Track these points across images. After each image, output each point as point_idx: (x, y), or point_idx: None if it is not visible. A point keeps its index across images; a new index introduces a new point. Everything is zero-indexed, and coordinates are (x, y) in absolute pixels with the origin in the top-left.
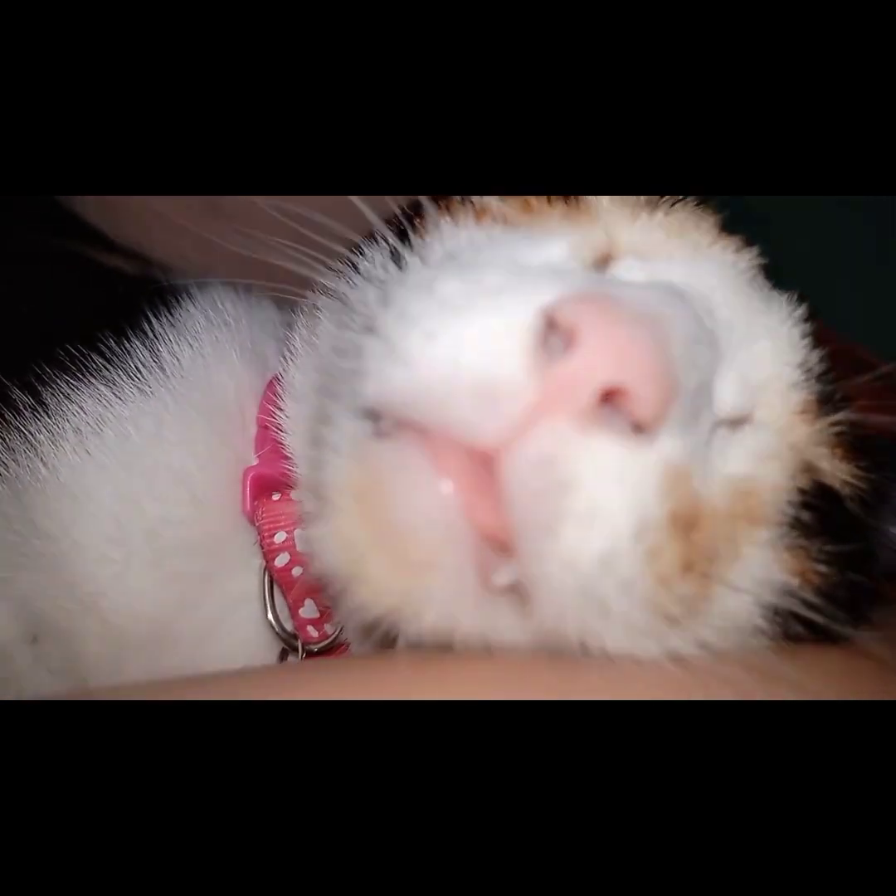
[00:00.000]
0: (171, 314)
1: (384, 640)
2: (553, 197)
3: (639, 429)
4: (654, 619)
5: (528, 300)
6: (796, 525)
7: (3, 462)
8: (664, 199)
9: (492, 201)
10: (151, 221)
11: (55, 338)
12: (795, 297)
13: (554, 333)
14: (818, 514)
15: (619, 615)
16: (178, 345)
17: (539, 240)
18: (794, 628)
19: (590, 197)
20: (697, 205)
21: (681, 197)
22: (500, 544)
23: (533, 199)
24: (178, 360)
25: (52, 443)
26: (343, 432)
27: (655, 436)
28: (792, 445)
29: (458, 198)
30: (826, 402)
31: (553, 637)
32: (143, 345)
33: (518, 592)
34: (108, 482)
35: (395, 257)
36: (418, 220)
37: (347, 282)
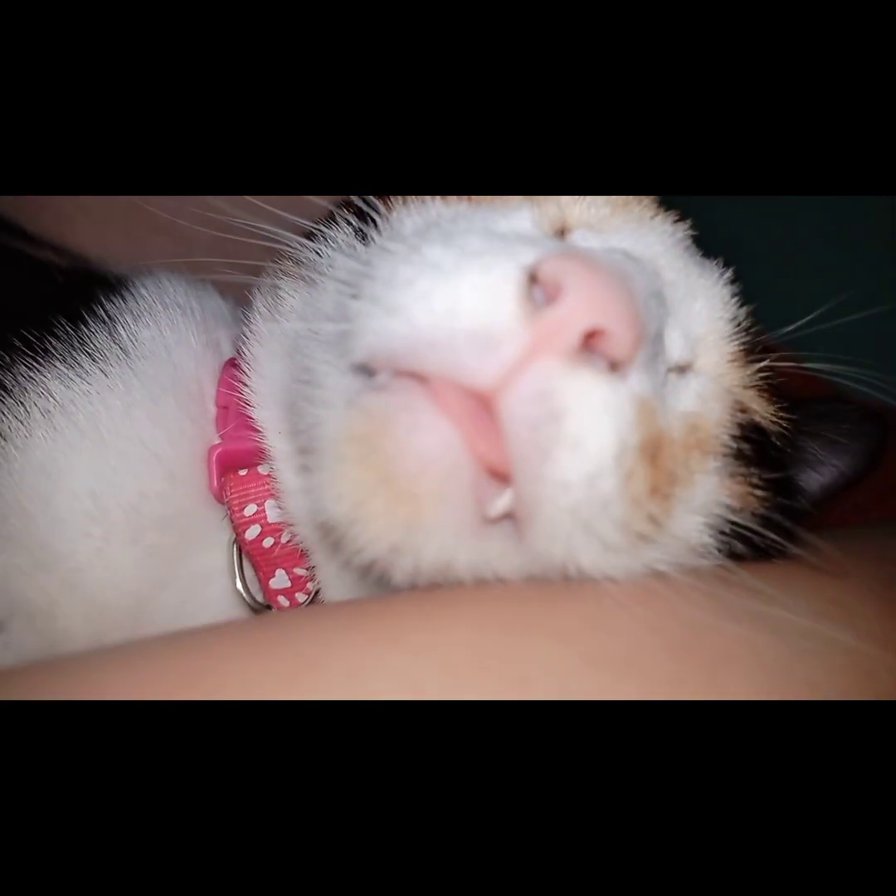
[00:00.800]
0: (123, 298)
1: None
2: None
3: (614, 367)
4: (629, 536)
5: (512, 259)
6: (737, 455)
7: None
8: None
9: None
10: (74, 214)
11: (6, 323)
12: (720, 263)
13: (535, 288)
14: (754, 446)
15: (597, 535)
16: (137, 326)
17: (505, 212)
18: (737, 547)
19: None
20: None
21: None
22: (498, 474)
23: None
24: (138, 340)
25: (22, 424)
26: (334, 389)
27: (628, 373)
28: (728, 389)
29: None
30: (751, 352)
31: (542, 562)
32: (101, 328)
33: (513, 519)
34: (83, 459)
35: (361, 235)
36: (384, 198)
37: (316, 258)
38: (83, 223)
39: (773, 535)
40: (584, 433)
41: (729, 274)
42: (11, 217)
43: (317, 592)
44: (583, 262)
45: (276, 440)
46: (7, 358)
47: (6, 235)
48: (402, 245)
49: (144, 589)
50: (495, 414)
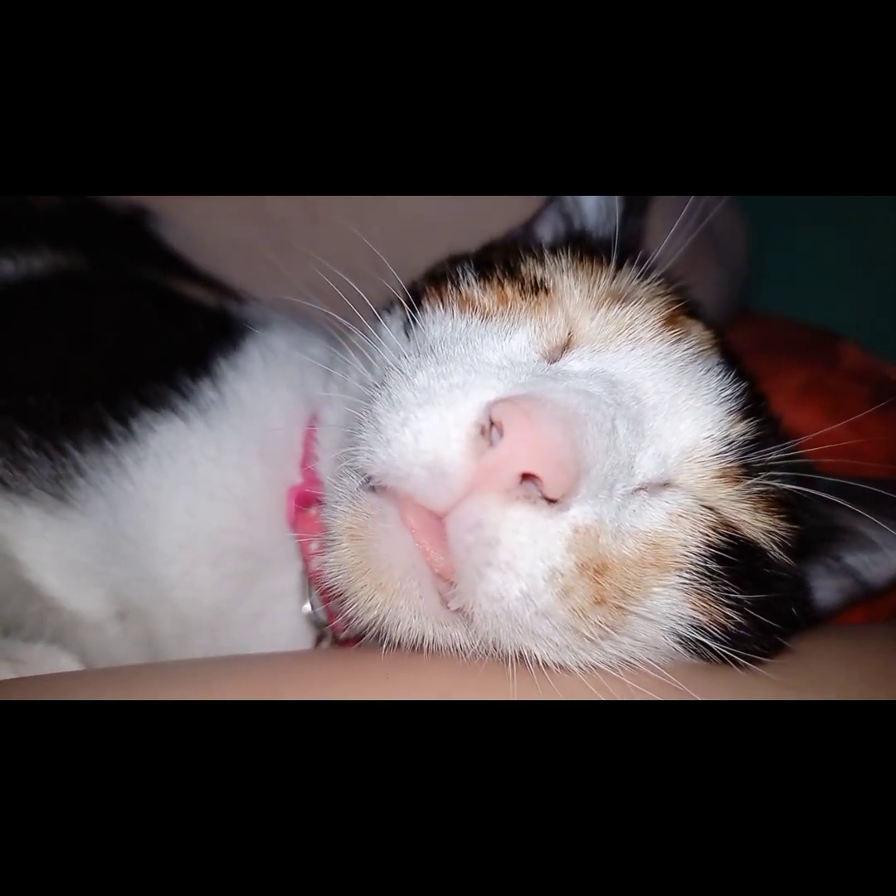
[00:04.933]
0: (236, 353)
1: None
2: (525, 290)
3: (552, 501)
4: (575, 638)
5: (478, 397)
6: (706, 572)
7: (103, 481)
8: (623, 294)
9: (475, 292)
10: (225, 253)
11: (143, 373)
12: (732, 376)
13: (495, 425)
14: (729, 564)
15: (542, 636)
16: (239, 382)
17: (507, 331)
18: (708, 654)
19: (562, 291)
20: (648, 301)
21: (645, 290)
22: (448, 580)
23: (508, 290)
24: (238, 396)
25: (138, 466)
26: (346, 486)
27: (567, 505)
28: (710, 505)
29: (448, 286)
30: (748, 467)
31: (496, 647)
32: (212, 383)
33: (464, 614)
34: (180, 499)
35: (407, 328)
36: (422, 298)
37: (370, 345)
38: (234, 260)
39: (732, 652)
40: (513, 559)
41: (735, 388)
42: (182, 250)
43: None
44: (525, 410)
45: (325, 502)
46: (138, 407)
47: (164, 270)
48: (407, 365)
49: (222, 604)
50: (445, 532)
